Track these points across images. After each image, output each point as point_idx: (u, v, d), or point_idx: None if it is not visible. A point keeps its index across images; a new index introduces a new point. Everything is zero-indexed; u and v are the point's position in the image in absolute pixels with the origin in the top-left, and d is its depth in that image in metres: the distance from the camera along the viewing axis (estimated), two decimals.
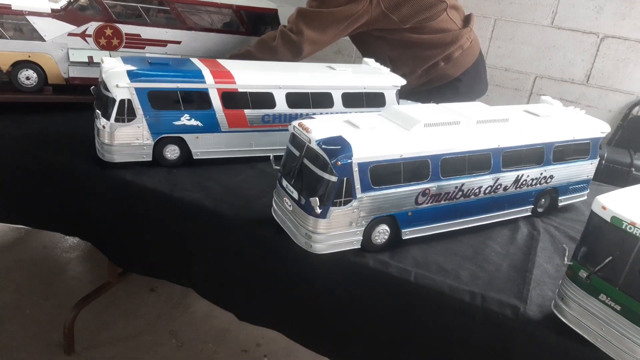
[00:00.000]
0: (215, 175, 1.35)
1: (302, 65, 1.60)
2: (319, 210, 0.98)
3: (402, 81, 1.58)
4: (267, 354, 1.97)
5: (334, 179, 0.97)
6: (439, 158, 1.09)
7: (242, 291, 1.24)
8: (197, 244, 1.25)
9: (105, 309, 2.08)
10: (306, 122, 1.03)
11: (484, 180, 1.17)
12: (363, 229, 1.05)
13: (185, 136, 1.35)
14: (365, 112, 1.24)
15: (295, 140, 1.06)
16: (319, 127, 1.03)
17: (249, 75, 1.39)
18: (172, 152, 1.36)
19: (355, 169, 0.98)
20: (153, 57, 1.41)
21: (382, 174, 1.02)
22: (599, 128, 1.34)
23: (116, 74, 1.26)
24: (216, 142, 1.39)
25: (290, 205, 1.06)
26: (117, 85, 1.24)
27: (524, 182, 1.24)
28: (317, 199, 0.97)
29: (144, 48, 1.75)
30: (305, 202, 1.00)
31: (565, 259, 0.91)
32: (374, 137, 1.03)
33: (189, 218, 1.23)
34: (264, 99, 1.41)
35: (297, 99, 1.44)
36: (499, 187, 1.20)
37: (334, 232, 1.03)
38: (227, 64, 1.43)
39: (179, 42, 1.81)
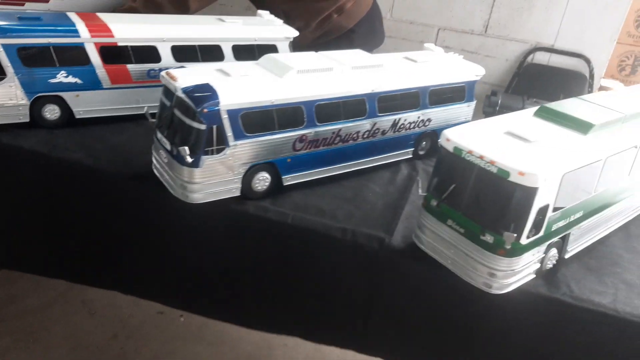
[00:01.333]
0: (99, 134, 1.32)
1: (190, 18, 1.56)
2: (189, 160, 0.99)
3: (295, 32, 1.59)
4: (183, 314, 1.99)
5: (202, 127, 0.98)
6: (312, 104, 1.12)
7: (127, 251, 1.24)
8: (78, 205, 1.23)
9: (13, 283, 2.02)
10: (174, 71, 1.03)
11: (362, 125, 1.22)
12: (241, 176, 1.08)
13: (64, 94, 1.30)
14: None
15: (165, 90, 1.06)
16: (187, 75, 1.02)
17: (129, 28, 1.35)
18: (51, 112, 1.31)
19: (225, 116, 0.99)
20: (24, 12, 1.33)
21: (255, 121, 1.04)
22: (473, 72, 1.42)
23: None
24: (99, 100, 1.35)
25: (165, 158, 1.07)
26: None
27: (402, 126, 1.30)
28: (186, 148, 0.98)
29: (23, 5, 1.65)
30: (177, 152, 1.01)
31: (419, 190, 0.99)
32: (244, 85, 1.04)
33: (69, 179, 1.21)
34: (148, 53, 1.37)
35: (184, 53, 1.42)
36: (377, 131, 1.26)
37: (210, 180, 1.04)
38: (107, 17, 1.38)
39: None
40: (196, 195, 1.05)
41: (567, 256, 1.02)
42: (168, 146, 1.04)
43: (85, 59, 1.30)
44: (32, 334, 1.80)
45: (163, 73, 1.04)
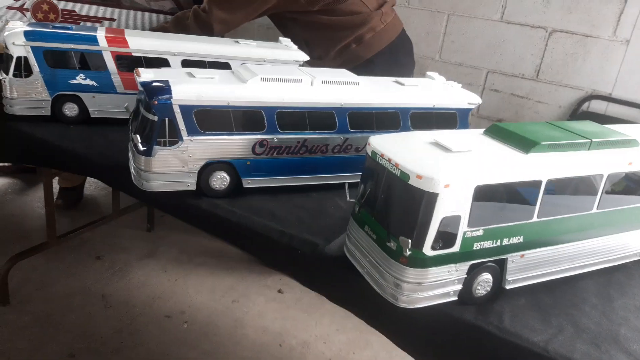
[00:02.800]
0: (105, 131, 1.46)
1: (206, 38, 1.70)
2: (141, 147, 1.07)
3: (305, 57, 1.66)
4: (188, 321, 2.05)
5: (154, 118, 1.06)
6: (273, 110, 1.16)
7: None
8: None
9: (49, 270, 2.23)
10: (142, 69, 1.13)
11: (331, 139, 1.23)
12: (196, 172, 1.14)
13: (81, 95, 1.48)
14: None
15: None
16: (153, 73, 1.12)
17: (144, 41, 1.50)
18: (70, 110, 1.49)
19: (177, 110, 1.06)
20: (59, 24, 1.55)
21: (210, 119, 1.10)
22: (467, 99, 1.38)
23: (14, 33, 1.40)
24: (112, 103, 1.51)
25: (133, 149, 1.16)
26: (13, 43, 1.38)
27: None
28: (137, 136, 1.06)
29: (79, 24, 1.90)
30: (136, 142, 1.09)
31: (347, 195, 0.97)
32: (203, 85, 1.11)
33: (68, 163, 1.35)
34: (160, 64, 1.51)
35: (194, 66, 1.54)
36: (349, 147, 1.26)
37: (164, 171, 1.11)
38: (129, 32, 1.55)
39: (113, 20, 1.95)
40: (150, 184, 1.12)
41: (508, 287, 0.92)
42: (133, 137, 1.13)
43: (102, 65, 1.46)
44: (50, 317, 1.96)
45: (137, 69, 1.15)
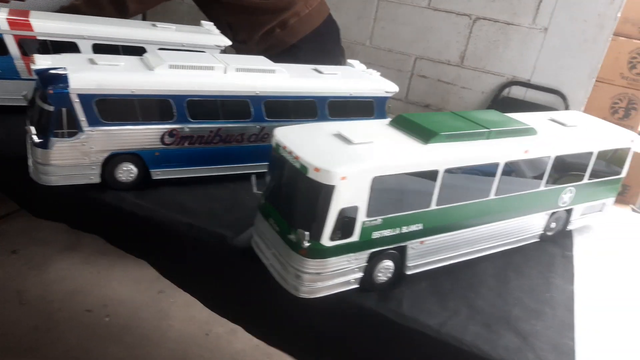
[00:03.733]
0: (9, 121, 1.36)
1: (120, 21, 1.62)
2: (36, 139, 1.01)
3: (227, 42, 1.62)
4: (110, 314, 1.99)
5: (50, 108, 1.00)
6: (183, 99, 1.12)
7: None
8: None
9: None
10: (38, 55, 1.06)
11: (247, 128, 1.22)
12: (100, 164, 1.09)
13: None
14: None
15: None
16: (50, 60, 1.05)
17: (51, 23, 1.41)
18: None
19: (76, 100, 1.01)
20: None
21: (113, 109, 1.06)
22: (384, 88, 1.39)
23: None
24: (16, 90, 1.41)
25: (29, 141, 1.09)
26: None
27: None
28: (32, 127, 1.00)
29: None
30: (31, 134, 1.03)
31: (254, 187, 0.96)
32: (105, 72, 1.06)
33: None
34: (67, 49, 1.43)
35: (106, 51, 1.46)
36: (266, 136, 1.24)
37: (63, 164, 1.05)
38: (35, 14, 1.45)
39: (22, 0, 1.82)
40: (49, 178, 1.06)
41: (408, 272, 0.96)
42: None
43: (4, 49, 1.36)
44: None
45: (31, 56, 1.08)
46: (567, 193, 1.14)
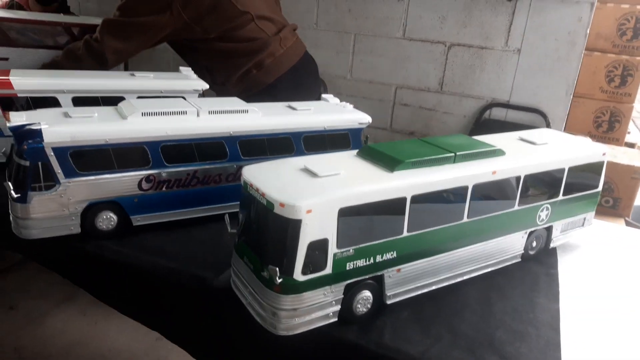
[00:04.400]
0: None
1: (98, 73, 1.66)
2: (14, 195, 1.02)
3: (204, 85, 1.66)
4: None
5: (26, 163, 1.02)
6: (157, 145, 1.15)
7: None
8: None
9: None
10: (13, 113, 1.09)
11: (224, 168, 1.24)
12: (79, 214, 1.10)
13: None
14: None
15: None
16: (25, 116, 1.08)
17: (31, 80, 1.45)
18: None
19: (51, 153, 1.03)
20: None
21: (88, 159, 1.08)
22: (358, 119, 1.42)
23: None
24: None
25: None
26: None
27: None
28: (9, 183, 1.02)
29: None
30: (9, 190, 1.05)
31: (228, 227, 0.97)
32: (78, 125, 1.08)
33: None
34: (48, 104, 1.46)
35: (86, 103, 1.50)
36: None
37: (43, 216, 1.07)
38: (16, 72, 1.49)
39: (6, 59, 1.87)
40: (30, 232, 1.07)
41: (389, 301, 0.95)
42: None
43: None
44: None
45: (5, 114, 1.11)
46: (543, 211, 1.15)
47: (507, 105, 2.48)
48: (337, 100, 1.55)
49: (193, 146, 1.19)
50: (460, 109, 2.58)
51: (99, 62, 1.76)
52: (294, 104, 1.42)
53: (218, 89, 1.92)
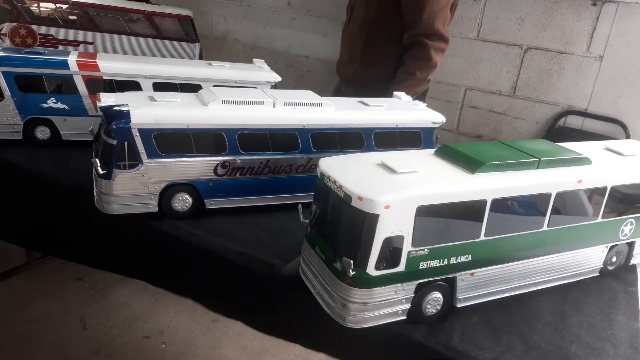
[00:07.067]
0: (77, 155, 1.47)
1: (178, 60, 1.72)
2: (101, 171, 1.08)
3: (277, 77, 1.68)
4: (166, 341, 2.05)
5: (113, 141, 1.08)
6: (235, 132, 1.17)
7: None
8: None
9: (28, 292, 2.23)
10: (104, 94, 1.15)
11: (295, 159, 1.25)
12: (157, 193, 1.15)
13: (53, 118, 1.49)
14: None
15: None
16: (114, 97, 1.14)
17: (115, 64, 1.52)
18: (42, 133, 1.50)
19: (136, 134, 1.08)
20: (32, 49, 1.57)
21: (170, 142, 1.12)
22: (431, 119, 1.40)
23: None
24: (84, 126, 1.52)
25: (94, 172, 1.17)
26: None
27: None
28: (97, 160, 1.07)
29: (57, 47, 1.93)
30: (96, 166, 1.11)
31: (300, 216, 0.98)
32: (163, 108, 1.12)
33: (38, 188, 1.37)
34: (131, 87, 1.53)
35: (165, 88, 1.56)
36: (313, 167, 1.27)
37: (125, 194, 1.12)
38: (102, 56, 1.56)
39: (91, 43, 1.98)
40: (111, 207, 1.13)
41: (459, 305, 0.93)
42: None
43: (73, 89, 1.48)
44: (27, 338, 1.96)
45: (97, 94, 1.17)
46: (627, 225, 1.09)
47: (584, 114, 2.35)
48: (409, 98, 1.52)
49: (267, 136, 1.21)
50: (533, 115, 2.47)
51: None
52: (366, 99, 1.41)
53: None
